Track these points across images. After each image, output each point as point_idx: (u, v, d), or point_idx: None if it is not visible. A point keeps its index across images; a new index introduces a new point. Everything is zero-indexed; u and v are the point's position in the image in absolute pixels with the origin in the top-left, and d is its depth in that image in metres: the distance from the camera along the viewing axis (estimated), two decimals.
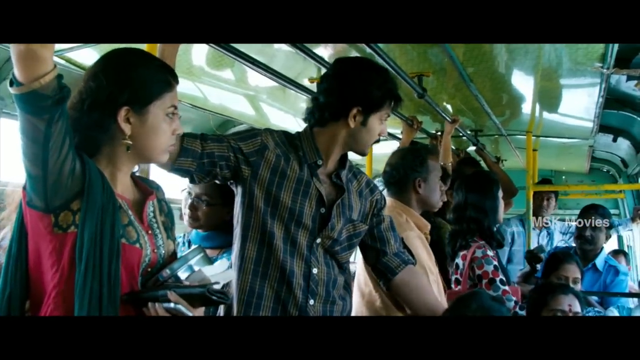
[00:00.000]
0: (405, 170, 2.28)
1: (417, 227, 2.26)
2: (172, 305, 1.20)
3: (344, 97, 1.68)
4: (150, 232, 1.30)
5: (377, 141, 1.78)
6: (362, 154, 1.79)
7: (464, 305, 1.62)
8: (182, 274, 1.27)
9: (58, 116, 1.08)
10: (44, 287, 1.19)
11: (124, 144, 1.24)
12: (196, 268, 1.28)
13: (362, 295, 2.19)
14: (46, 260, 1.19)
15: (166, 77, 1.29)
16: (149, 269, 1.28)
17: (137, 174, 1.40)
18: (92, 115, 1.21)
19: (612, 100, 3.35)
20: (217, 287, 1.23)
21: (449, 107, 3.52)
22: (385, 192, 2.32)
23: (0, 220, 1.52)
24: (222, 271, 1.29)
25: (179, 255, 1.38)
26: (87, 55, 2.33)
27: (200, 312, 1.26)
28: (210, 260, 1.34)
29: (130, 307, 1.22)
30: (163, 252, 1.32)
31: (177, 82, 1.32)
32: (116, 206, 1.21)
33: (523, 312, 2.42)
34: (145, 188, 1.36)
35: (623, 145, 4.63)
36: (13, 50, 1.03)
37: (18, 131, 1.09)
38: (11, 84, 1.05)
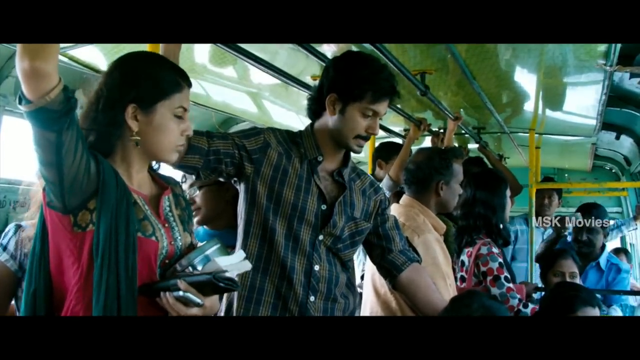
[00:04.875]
0: (430, 171, 2.27)
1: (434, 229, 2.25)
2: (181, 293, 1.22)
3: (323, 85, 1.71)
4: (167, 225, 1.34)
5: (366, 138, 1.71)
6: (346, 147, 1.72)
7: (464, 305, 1.61)
8: (199, 264, 1.29)
9: (67, 126, 1.12)
10: (65, 284, 1.24)
11: (132, 140, 1.29)
12: (212, 258, 1.29)
13: (377, 296, 2.18)
14: (67, 258, 1.23)
15: (175, 79, 1.32)
16: (167, 261, 1.31)
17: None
18: (106, 112, 1.26)
19: (615, 97, 3.34)
20: (228, 274, 1.24)
21: (451, 104, 3.51)
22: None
23: (24, 219, 1.59)
24: (238, 261, 1.31)
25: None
26: (90, 52, 2.33)
27: (212, 300, 1.29)
28: (226, 252, 1.36)
29: (145, 298, 1.25)
30: (180, 244, 1.35)
31: (188, 84, 1.35)
32: (130, 202, 1.25)
33: (527, 310, 2.42)
34: (162, 184, 1.41)
35: (626, 143, 4.61)
36: (18, 69, 1.06)
37: (32, 142, 1.13)
38: (20, 102, 1.09)
